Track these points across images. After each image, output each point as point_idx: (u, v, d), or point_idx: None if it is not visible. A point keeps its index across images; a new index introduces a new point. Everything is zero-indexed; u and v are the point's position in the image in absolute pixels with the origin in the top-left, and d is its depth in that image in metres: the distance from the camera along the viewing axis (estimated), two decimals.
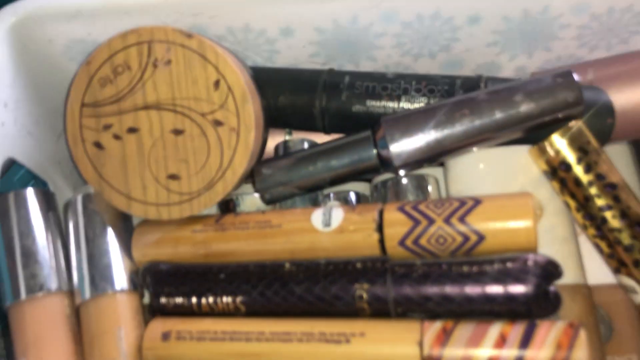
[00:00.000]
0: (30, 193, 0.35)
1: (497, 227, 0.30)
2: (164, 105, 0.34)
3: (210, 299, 0.33)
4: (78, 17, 0.36)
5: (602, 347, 0.33)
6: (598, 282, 0.34)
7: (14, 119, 0.35)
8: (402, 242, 0.31)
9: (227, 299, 0.32)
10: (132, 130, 0.34)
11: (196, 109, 0.33)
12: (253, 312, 0.32)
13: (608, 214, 0.31)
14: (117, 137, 0.34)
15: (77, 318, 0.34)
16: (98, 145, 0.34)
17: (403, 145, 0.33)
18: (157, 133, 0.34)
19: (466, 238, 0.30)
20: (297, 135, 0.41)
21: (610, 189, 0.31)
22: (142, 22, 0.36)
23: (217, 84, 0.33)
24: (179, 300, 0.33)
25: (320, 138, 0.39)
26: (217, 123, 0.33)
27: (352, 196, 0.38)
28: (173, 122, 0.34)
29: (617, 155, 0.40)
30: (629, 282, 0.32)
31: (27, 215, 0.35)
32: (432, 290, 0.30)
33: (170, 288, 0.33)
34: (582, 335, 0.28)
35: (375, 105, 0.37)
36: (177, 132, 0.34)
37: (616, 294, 0.35)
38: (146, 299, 0.35)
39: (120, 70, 0.34)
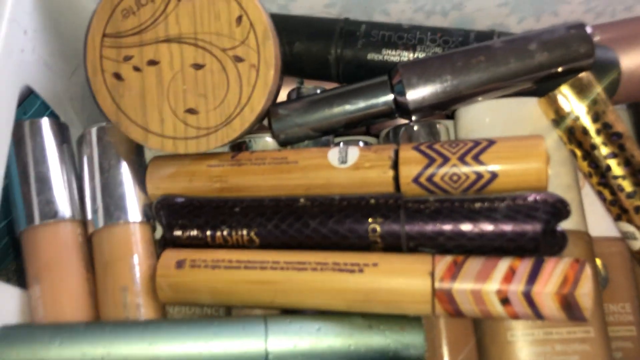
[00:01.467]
0: (45, 123, 0.35)
1: (510, 166, 0.31)
2: (186, 39, 0.34)
3: (225, 232, 0.33)
4: None
5: (600, 295, 0.34)
6: (596, 235, 0.36)
7: (32, 48, 0.35)
8: (416, 180, 0.32)
9: (241, 232, 0.33)
10: (153, 62, 0.34)
11: (217, 44, 0.34)
12: (267, 244, 0.33)
13: (613, 162, 0.32)
14: (137, 69, 0.34)
15: (89, 247, 0.35)
16: (117, 76, 0.34)
17: (419, 90, 0.34)
18: (177, 66, 0.34)
19: (479, 176, 0.31)
20: (309, 86, 0.41)
21: (616, 137, 0.32)
22: None
23: (239, 19, 0.34)
24: (192, 232, 0.34)
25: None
26: (238, 59, 0.34)
27: (362, 145, 0.39)
28: (194, 56, 0.34)
29: None
30: (629, 228, 0.33)
31: (42, 144, 0.35)
32: (444, 225, 0.30)
33: (184, 220, 0.34)
34: (588, 270, 0.29)
35: (391, 54, 0.38)
36: (198, 66, 0.34)
37: (613, 246, 0.36)
38: (158, 233, 0.36)
39: (144, 2, 0.34)
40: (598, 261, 0.36)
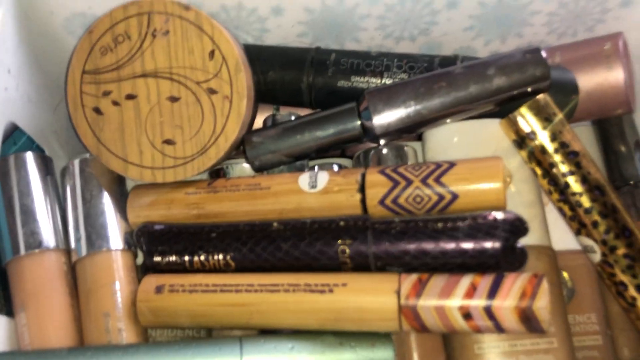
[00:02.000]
0: (29, 156, 0.37)
1: (469, 187, 0.33)
2: (161, 73, 0.36)
3: (202, 257, 0.35)
4: None
5: (564, 306, 0.35)
6: (561, 248, 0.37)
7: (16, 85, 0.37)
8: (382, 202, 0.34)
9: (218, 256, 0.34)
10: (130, 96, 0.36)
11: (192, 77, 0.36)
12: (242, 268, 0.34)
13: (570, 179, 0.34)
14: (115, 103, 0.36)
15: (73, 275, 0.36)
16: (97, 110, 0.36)
17: (385, 115, 0.36)
18: (154, 100, 0.36)
19: (441, 197, 0.33)
20: (284, 112, 0.43)
21: (573, 156, 0.34)
22: None
23: (212, 54, 0.35)
24: (172, 258, 0.35)
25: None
26: (211, 91, 0.35)
27: (336, 168, 0.41)
28: (169, 89, 0.36)
29: (582, 135, 0.43)
30: (588, 242, 0.35)
31: (27, 177, 0.36)
32: (409, 245, 0.32)
33: (163, 247, 0.35)
34: (544, 285, 0.30)
35: (360, 80, 0.39)
36: (173, 99, 0.36)
37: (578, 259, 0.38)
38: (139, 259, 0.37)
39: (120, 39, 0.36)
40: (565, 274, 0.38)
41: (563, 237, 0.38)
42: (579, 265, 0.38)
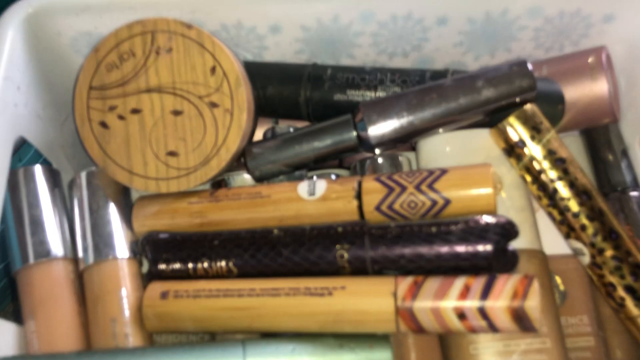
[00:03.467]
0: (38, 169, 0.38)
1: (461, 193, 0.34)
2: (165, 88, 0.37)
3: (205, 264, 0.36)
4: (86, 11, 0.40)
5: (557, 307, 0.37)
6: (553, 253, 0.39)
7: (25, 102, 0.39)
8: (378, 207, 0.35)
9: (220, 263, 0.36)
10: (135, 111, 0.37)
11: (194, 92, 0.37)
12: (244, 273, 0.35)
13: (559, 185, 0.35)
14: (121, 117, 0.38)
15: (80, 283, 0.37)
16: (103, 124, 0.38)
17: (380, 126, 0.37)
18: (158, 114, 0.37)
19: (434, 202, 0.34)
20: (283, 125, 0.45)
21: (560, 162, 0.36)
22: (145, 16, 0.39)
23: (213, 69, 0.37)
24: (176, 265, 0.36)
25: None
26: (213, 105, 0.37)
27: (334, 177, 0.42)
28: (173, 103, 0.37)
29: (571, 145, 0.44)
30: (577, 245, 0.36)
31: (35, 189, 0.38)
32: (404, 249, 0.33)
33: (168, 254, 0.37)
34: (535, 285, 0.31)
35: (355, 94, 0.41)
36: (177, 112, 0.37)
37: (570, 263, 0.39)
38: (144, 268, 0.38)
39: (125, 57, 0.38)
40: (557, 278, 0.39)
41: (554, 242, 0.39)
42: (571, 269, 0.39)
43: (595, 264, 0.35)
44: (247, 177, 0.41)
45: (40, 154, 0.41)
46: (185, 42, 0.37)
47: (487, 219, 0.33)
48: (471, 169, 0.35)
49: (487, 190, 0.34)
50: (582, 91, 0.41)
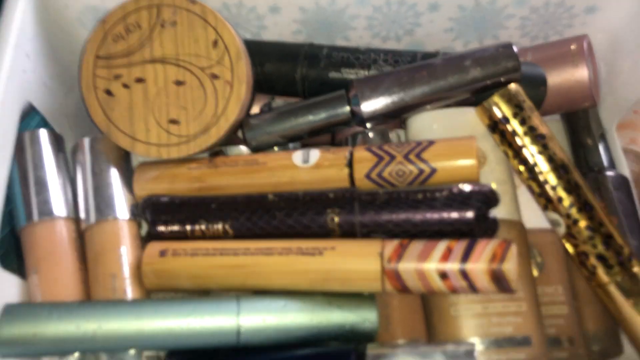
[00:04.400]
0: (43, 133, 0.40)
1: (447, 163, 0.36)
2: (169, 59, 0.39)
3: (203, 226, 0.38)
4: None
5: (532, 276, 0.39)
6: (532, 227, 0.41)
7: (33, 69, 0.40)
8: (368, 175, 0.37)
9: (217, 225, 0.38)
10: (140, 80, 0.39)
11: (196, 63, 0.39)
12: (240, 235, 0.37)
13: (538, 159, 0.38)
14: (125, 85, 0.39)
15: (81, 243, 0.39)
16: (108, 92, 0.39)
17: (372, 102, 0.39)
18: (161, 83, 0.39)
19: (421, 171, 0.36)
20: (280, 101, 0.47)
21: (540, 138, 0.38)
22: None
23: (215, 43, 0.39)
24: (174, 227, 0.38)
25: None
26: (214, 76, 0.39)
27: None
28: (175, 74, 0.39)
29: (552, 128, 0.46)
30: (554, 216, 0.38)
31: (40, 152, 0.39)
32: (392, 214, 0.35)
33: (167, 216, 0.38)
34: (513, 249, 0.34)
35: (349, 72, 0.43)
36: (179, 83, 0.39)
37: (547, 236, 0.41)
38: (143, 231, 0.40)
39: (131, 28, 0.39)
40: (536, 250, 0.41)
41: (534, 217, 0.41)
42: (547, 242, 0.41)
43: (571, 234, 0.38)
44: (243, 149, 0.43)
45: (46, 122, 0.43)
46: (189, 16, 0.39)
47: (470, 186, 0.35)
48: (457, 141, 0.37)
49: (471, 161, 0.36)
50: (564, 76, 0.44)
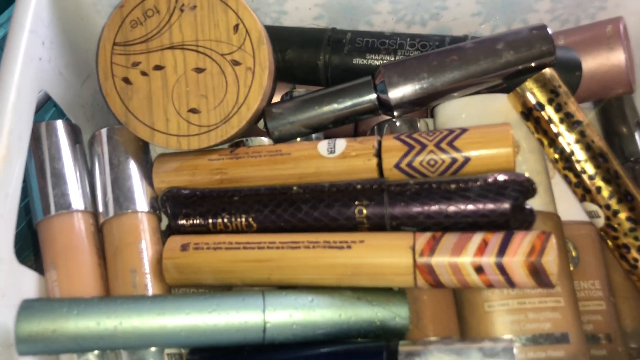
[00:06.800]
0: (60, 124, 0.39)
1: (481, 151, 0.34)
2: (188, 45, 0.38)
3: (225, 219, 0.36)
4: None
5: (569, 269, 0.37)
6: (567, 219, 0.39)
7: (49, 57, 0.39)
8: (397, 165, 0.35)
9: (240, 218, 0.36)
10: (158, 67, 0.38)
11: (217, 49, 0.38)
12: (264, 228, 0.36)
13: (575, 147, 0.36)
14: (144, 73, 0.38)
15: (100, 237, 0.38)
16: (126, 80, 0.38)
17: (400, 88, 0.38)
18: (181, 71, 0.38)
19: (454, 160, 0.35)
20: (301, 90, 0.45)
21: (577, 125, 0.36)
22: None
23: (236, 27, 0.37)
24: (196, 220, 0.37)
25: None
26: (235, 63, 0.37)
27: None
28: (195, 61, 0.38)
29: None
30: (593, 207, 0.36)
31: (57, 143, 0.38)
32: (423, 205, 0.34)
33: (188, 209, 0.37)
34: (553, 240, 0.32)
35: (374, 58, 0.41)
36: (199, 70, 0.38)
37: (582, 229, 0.39)
38: (163, 225, 0.39)
39: (150, 13, 0.38)
40: (570, 244, 0.40)
41: (568, 209, 0.39)
42: (584, 235, 0.39)
43: (610, 225, 0.36)
44: (265, 140, 0.41)
45: (62, 112, 0.41)
46: (210, 0, 0.38)
47: (505, 176, 0.33)
48: (491, 128, 0.35)
49: (507, 149, 0.34)
50: (599, 60, 0.42)
